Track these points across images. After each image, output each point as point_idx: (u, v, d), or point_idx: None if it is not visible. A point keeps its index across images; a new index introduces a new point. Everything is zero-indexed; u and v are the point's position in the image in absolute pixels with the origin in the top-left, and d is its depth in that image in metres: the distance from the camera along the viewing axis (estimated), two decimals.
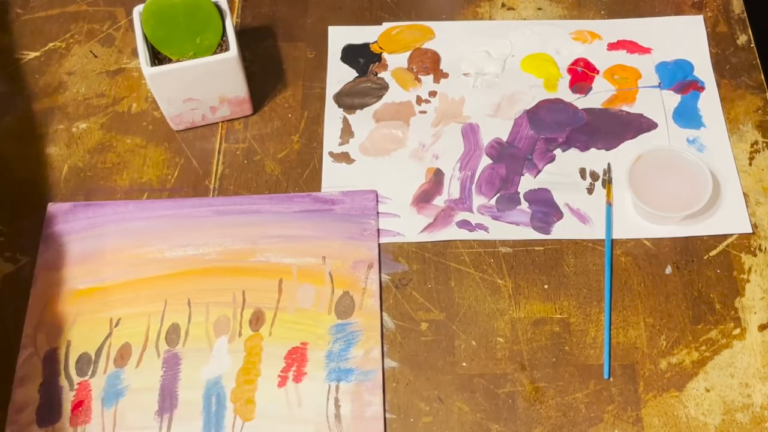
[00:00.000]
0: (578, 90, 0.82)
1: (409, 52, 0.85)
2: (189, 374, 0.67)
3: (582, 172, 0.77)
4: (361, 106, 0.81)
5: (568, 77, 0.83)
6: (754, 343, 0.68)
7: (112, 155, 0.78)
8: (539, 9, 0.87)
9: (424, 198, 0.75)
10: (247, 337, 0.68)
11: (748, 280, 0.71)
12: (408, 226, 0.74)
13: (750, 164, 0.77)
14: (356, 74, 0.83)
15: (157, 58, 0.74)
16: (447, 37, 0.85)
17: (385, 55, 0.85)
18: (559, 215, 0.74)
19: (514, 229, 0.74)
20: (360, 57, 0.84)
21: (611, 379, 0.67)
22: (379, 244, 0.73)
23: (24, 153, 0.78)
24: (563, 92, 0.82)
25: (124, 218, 0.74)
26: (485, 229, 0.74)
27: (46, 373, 0.66)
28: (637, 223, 0.74)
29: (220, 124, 0.80)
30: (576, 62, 0.84)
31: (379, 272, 0.71)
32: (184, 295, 0.70)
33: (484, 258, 0.72)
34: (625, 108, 0.81)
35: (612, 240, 0.73)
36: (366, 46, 0.85)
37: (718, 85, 0.82)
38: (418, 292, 0.71)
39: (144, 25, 0.73)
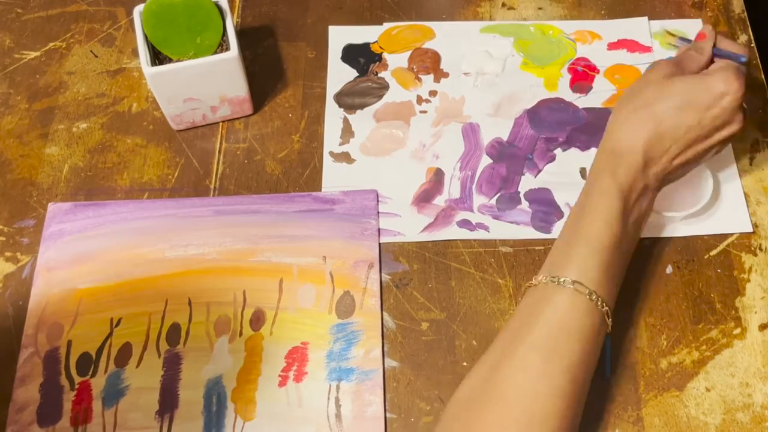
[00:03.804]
0: (579, 89, 0.82)
1: (409, 52, 0.85)
2: (190, 374, 0.67)
3: (582, 171, 0.77)
4: (362, 106, 0.81)
5: (568, 77, 0.83)
6: (755, 342, 0.68)
7: (113, 155, 0.78)
8: (539, 9, 0.88)
9: (424, 198, 0.75)
10: (247, 337, 0.68)
11: (749, 280, 0.71)
12: (408, 226, 0.74)
13: (750, 164, 0.77)
14: (356, 74, 0.83)
15: (158, 58, 0.74)
16: (447, 36, 0.86)
17: (385, 54, 0.85)
18: (560, 215, 0.74)
19: (515, 228, 0.74)
20: (360, 57, 0.84)
21: (612, 378, 0.67)
22: (379, 244, 0.73)
23: (24, 153, 0.78)
24: (564, 92, 0.82)
25: (125, 218, 0.74)
26: (486, 228, 0.74)
27: (46, 372, 0.66)
28: None
29: (221, 123, 0.80)
30: (576, 62, 0.84)
31: (380, 272, 0.71)
32: (185, 295, 0.70)
33: (484, 258, 0.72)
34: None
35: None
36: (366, 45, 0.85)
37: None
38: (418, 292, 0.71)
39: (144, 24, 0.73)
